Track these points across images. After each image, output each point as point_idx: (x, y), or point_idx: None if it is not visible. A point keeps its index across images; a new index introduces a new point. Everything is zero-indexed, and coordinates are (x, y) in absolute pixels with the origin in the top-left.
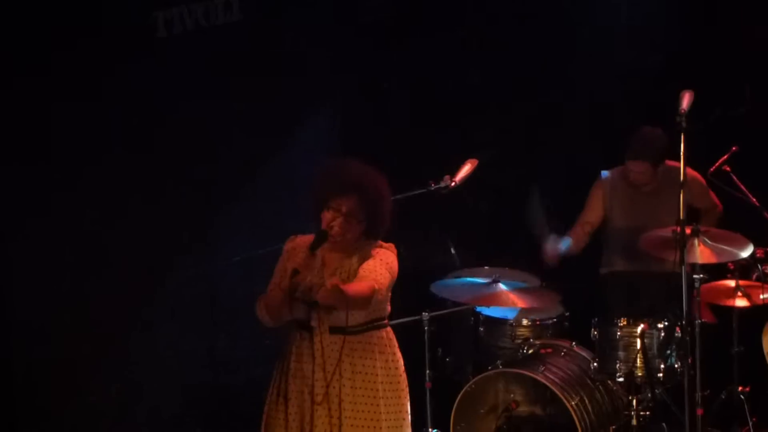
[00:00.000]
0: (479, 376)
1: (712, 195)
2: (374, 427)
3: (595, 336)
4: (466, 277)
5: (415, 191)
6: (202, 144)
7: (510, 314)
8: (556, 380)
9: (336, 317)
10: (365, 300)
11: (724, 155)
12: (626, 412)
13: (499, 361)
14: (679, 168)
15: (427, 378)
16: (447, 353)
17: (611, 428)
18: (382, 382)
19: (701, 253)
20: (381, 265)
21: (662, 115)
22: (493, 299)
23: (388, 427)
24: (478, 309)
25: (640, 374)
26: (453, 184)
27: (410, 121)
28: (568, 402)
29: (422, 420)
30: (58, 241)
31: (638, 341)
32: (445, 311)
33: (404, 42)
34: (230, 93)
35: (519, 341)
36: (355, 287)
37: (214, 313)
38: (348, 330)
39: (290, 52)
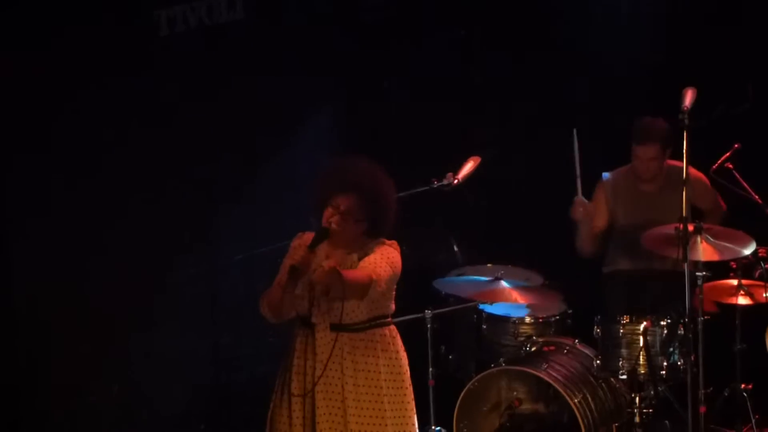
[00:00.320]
0: (482, 374)
1: (717, 196)
2: (380, 424)
3: (597, 333)
4: (469, 274)
5: (417, 189)
6: (203, 143)
7: (513, 312)
8: (559, 378)
9: (336, 314)
10: (362, 287)
11: (726, 153)
12: (629, 410)
13: (502, 359)
14: (682, 167)
15: (430, 375)
16: (450, 351)
17: (614, 426)
18: (385, 380)
19: (704, 250)
20: (382, 259)
21: (665, 113)
22: (496, 297)
23: (394, 425)
24: (481, 306)
25: (642, 372)
26: (456, 181)
27: (412, 120)
28: (571, 399)
29: (425, 417)
30: (59, 241)
31: (641, 339)
32: (448, 309)
33: (405, 40)
34: (232, 92)
35: (522, 339)
36: (353, 273)
37: (216, 312)
38: (350, 327)
39: (292, 50)
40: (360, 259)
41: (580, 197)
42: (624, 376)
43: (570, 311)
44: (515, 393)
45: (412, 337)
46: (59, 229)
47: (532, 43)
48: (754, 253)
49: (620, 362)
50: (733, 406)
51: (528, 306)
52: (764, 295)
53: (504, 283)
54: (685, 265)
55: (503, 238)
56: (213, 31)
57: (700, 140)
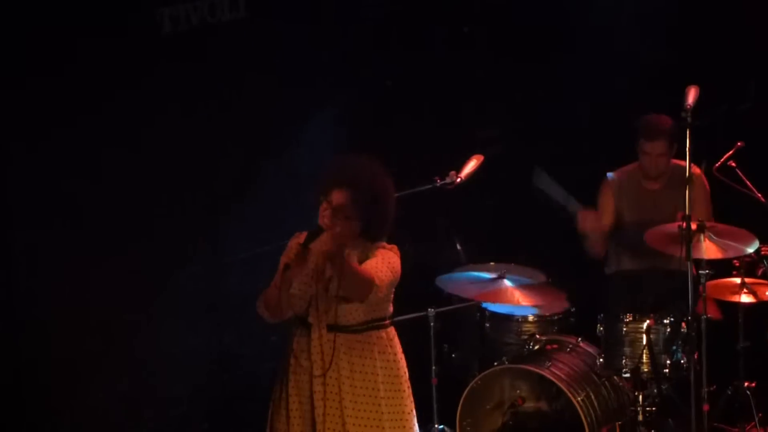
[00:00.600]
0: (485, 372)
1: (710, 207)
2: (377, 426)
3: (601, 332)
4: (472, 272)
5: (420, 187)
6: (206, 141)
7: (516, 310)
8: (562, 376)
9: (332, 314)
10: (363, 285)
11: (729, 151)
12: (632, 408)
13: (505, 357)
14: (686, 167)
15: (433, 374)
16: (453, 349)
17: (617, 424)
18: (383, 382)
19: (707, 248)
20: (383, 263)
21: (667, 112)
22: (499, 295)
23: (391, 428)
24: (484, 305)
25: (646, 370)
26: (459, 179)
27: (415, 117)
28: (574, 398)
29: (428, 416)
30: (61, 239)
31: (644, 337)
32: (451, 307)
33: (407, 38)
34: (235, 90)
35: (525, 337)
36: (359, 267)
37: (219, 310)
38: (347, 328)
39: (295, 49)
40: (360, 262)
41: (582, 211)
42: (627, 375)
43: (573, 309)
44: (518, 391)
45: (415, 335)
46: (63, 226)
47: (536, 40)
48: (757, 251)
49: (623, 360)
50: (736, 404)
51: (531, 304)
52: (767, 293)
53: (507, 282)
54: (688, 263)
55: (506, 237)
56: (216, 29)
57: (703, 138)
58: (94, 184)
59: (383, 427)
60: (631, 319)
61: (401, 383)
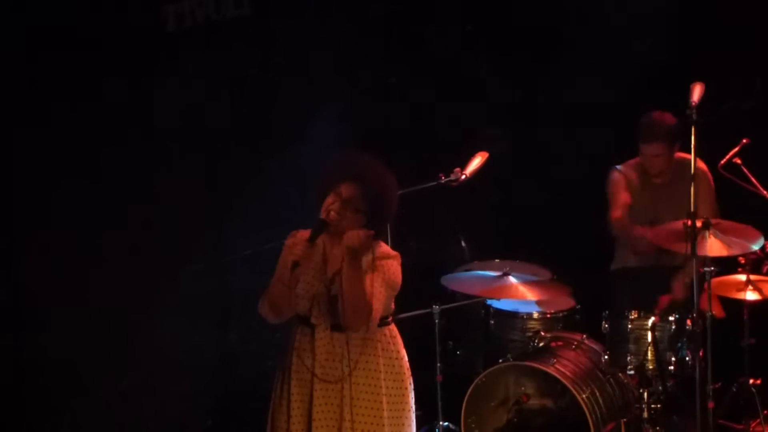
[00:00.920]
0: (490, 369)
1: (715, 203)
2: (377, 423)
3: (606, 329)
4: (477, 270)
5: (425, 184)
6: (210, 138)
7: (521, 307)
8: (567, 373)
9: (336, 315)
10: (361, 313)
11: (734, 148)
12: (637, 405)
13: (509, 354)
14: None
15: (438, 371)
16: (458, 346)
17: (622, 421)
18: (385, 380)
19: (711, 245)
20: (380, 285)
21: (673, 109)
22: (504, 292)
23: (391, 424)
24: (489, 302)
25: (651, 367)
26: (463, 177)
27: (419, 115)
28: (579, 395)
29: (433, 413)
30: (65, 236)
31: (649, 334)
32: (456, 304)
33: (412, 36)
34: (239, 87)
35: (530, 334)
36: (363, 291)
37: (224, 307)
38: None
39: (298, 46)
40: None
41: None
42: (632, 372)
43: (578, 307)
44: (523, 388)
45: (419, 332)
46: (66, 224)
47: (540, 38)
48: (763, 248)
49: (628, 358)
50: (742, 401)
51: (536, 301)
52: None
53: (512, 279)
54: (694, 260)
55: (511, 234)
56: (220, 26)
57: (709, 136)
58: (96, 182)
59: (383, 425)
60: (636, 316)
61: (403, 380)
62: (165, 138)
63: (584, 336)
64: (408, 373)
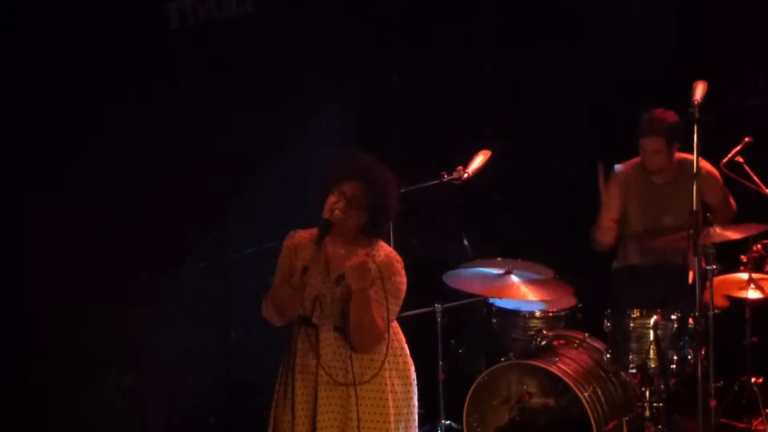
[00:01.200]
0: (492, 368)
1: (728, 194)
2: (384, 421)
3: (608, 327)
4: (479, 268)
5: (428, 182)
6: (212, 136)
7: (523, 306)
8: (569, 372)
9: (339, 318)
10: (371, 342)
11: (737, 146)
12: (639, 404)
13: (511, 353)
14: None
15: (440, 369)
16: (460, 345)
17: (624, 420)
18: (390, 377)
19: (715, 234)
20: (393, 302)
21: (675, 107)
22: (506, 291)
23: (397, 421)
24: (491, 300)
25: (653, 366)
26: (466, 175)
27: (421, 113)
28: (581, 393)
29: (435, 411)
30: (68, 234)
31: (651, 332)
32: (458, 303)
33: (415, 34)
34: (241, 86)
35: (532, 333)
36: (374, 317)
37: (227, 305)
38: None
39: (300, 44)
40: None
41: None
42: (634, 370)
43: (580, 305)
44: (525, 387)
45: (422, 331)
46: (70, 222)
47: (544, 36)
48: (765, 246)
49: (630, 356)
50: (744, 399)
51: (538, 300)
52: None
53: (514, 277)
54: (696, 258)
55: (513, 232)
56: (224, 24)
57: (711, 134)
58: (99, 179)
59: (389, 421)
60: (638, 314)
61: (408, 376)
62: (166, 137)
63: (586, 334)
64: (412, 370)
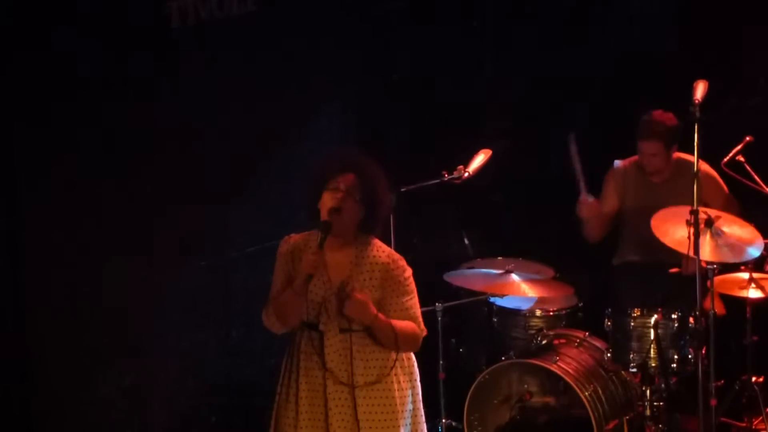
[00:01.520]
0: (493, 367)
1: (731, 197)
2: (392, 419)
3: (608, 326)
4: (480, 267)
5: (428, 182)
6: (214, 135)
7: (524, 305)
8: (570, 371)
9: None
10: (413, 342)
11: (738, 146)
12: (640, 403)
13: (512, 352)
14: (693, 161)
15: (441, 368)
16: (460, 344)
17: (625, 419)
18: (395, 374)
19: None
20: (412, 298)
21: (676, 106)
22: (507, 290)
23: (404, 417)
24: (492, 300)
25: (653, 365)
26: (466, 174)
27: (421, 113)
28: (582, 392)
29: (436, 410)
30: (68, 234)
31: (652, 332)
32: (459, 302)
33: (415, 33)
34: (243, 85)
35: (533, 332)
36: (403, 329)
37: (228, 304)
38: (360, 330)
39: (301, 43)
40: (357, 257)
41: (584, 196)
42: (635, 369)
43: (581, 304)
44: (526, 386)
45: None
46: (71, 222)
47: (545, 35)
48: (766, 246)
49: (631, 355)
50: (744, 399)
51: (539, 299)
52: None
53: (515, 276)
54: (696, 257)
55: (514, 231)
56: (224, 23)
57: (712, 133)
58: (101, 179)
59: (397, 419)
60: (638, 313)
61: (412, 372)
62: (167, 135)
63: (587, 334)
64: (416, 366)
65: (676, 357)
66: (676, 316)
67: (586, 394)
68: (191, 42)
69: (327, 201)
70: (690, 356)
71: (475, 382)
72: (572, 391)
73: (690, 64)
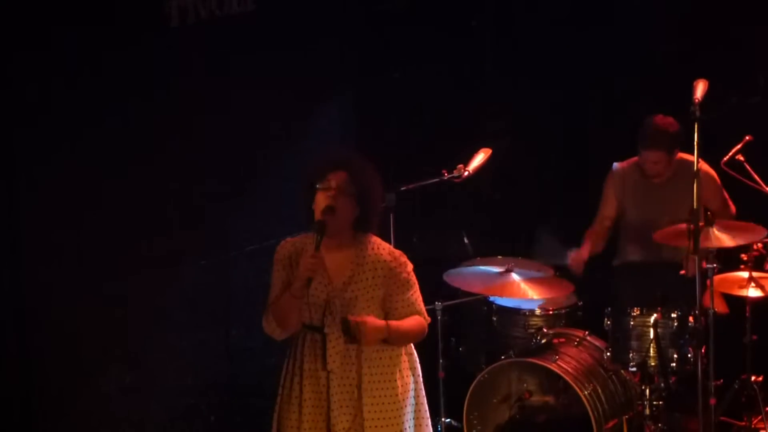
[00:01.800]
0: (492, 366)
1: (726, 196)
2: (395, 416)
3: (608, 326)
4: (479, 266)
5: (428, 181)
6: (214, 134)
7: (523, 304)
8: (570, 370)
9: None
10: (418, 335)
11: (737, 145)
12: (639, 402)
13: (512, 351)
14: (693, 161)
15: (440, 368)
16: (460, 343)
17: (624, 418)
18: (399, 371)
19: (716, 237)
20: (415, 292)
21: (675, 105)
22: (506, 289)
23: (407, 413)
24: (491, 299)
25: (653, 364)
26: (466, 173)
27: (421, 112)
28: (581, 392)
29: (435, 410)
30: (70, 233)
31: (651, 331)
32: (458, 301)
33: (415, 32)
34: (245, 83)
35: (532, 331)
36: (405, 326)
37: (227, 303)
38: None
39: (303, 43)
40: (358, 257)
41: (571, 253)
42: (634, 369)
43: (580, 303)
44: (525, 385)
45: None
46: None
47: (545, 35)
48: (766, 245)
49: (631, 354)
50: (744, 398)
51: (538, 298)
52: None
53: (514, 276)
54: (696, 257)
55: (514, 230)
56: (224, 22)
57: (712, 132)
58: (99, 178)
59: (401, 415)
60: (638, 312)
61: (415, 368)
62: (167, 135)
63: (586, 333)
64: (417, 362)
65: (675, 356)
66: (675, 316)
67: (586, 393)
68: (191, 41)
69: (321, 201)
70: (689, 355)
71: (475, 381)
72: (572, 390)
73: (690, 64)
